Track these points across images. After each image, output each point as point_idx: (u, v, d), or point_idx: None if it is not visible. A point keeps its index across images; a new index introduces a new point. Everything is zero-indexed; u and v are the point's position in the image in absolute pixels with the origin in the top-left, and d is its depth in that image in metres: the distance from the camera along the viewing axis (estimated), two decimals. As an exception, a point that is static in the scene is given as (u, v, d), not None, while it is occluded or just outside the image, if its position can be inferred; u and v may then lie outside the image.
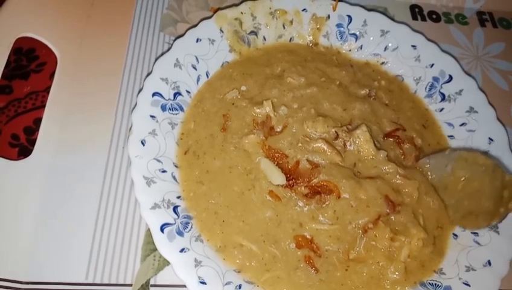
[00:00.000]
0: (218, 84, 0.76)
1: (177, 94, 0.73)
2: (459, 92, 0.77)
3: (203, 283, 0.57)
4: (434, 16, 0.95)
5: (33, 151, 0.71)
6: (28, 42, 0.80)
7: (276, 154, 0.67)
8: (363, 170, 0.67)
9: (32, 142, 0.72)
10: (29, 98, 0.76)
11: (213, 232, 0.63)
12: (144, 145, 0.66)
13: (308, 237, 0.63)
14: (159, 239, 0.59)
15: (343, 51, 0.84)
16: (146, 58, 0.82)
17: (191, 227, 0.63)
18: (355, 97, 0.75)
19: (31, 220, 0.66)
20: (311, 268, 0.62)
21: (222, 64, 0.79)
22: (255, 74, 0.77)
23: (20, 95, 0.77)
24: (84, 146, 0.72)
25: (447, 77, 0.78)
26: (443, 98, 0.78)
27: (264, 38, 0.82)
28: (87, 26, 0.84)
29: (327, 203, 0.63)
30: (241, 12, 0.80)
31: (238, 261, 0.62)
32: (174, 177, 0.67)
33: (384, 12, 0.87)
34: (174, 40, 0.76)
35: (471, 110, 0.75)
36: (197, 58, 0.76)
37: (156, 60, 0.74)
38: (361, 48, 0.83)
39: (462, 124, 0.75)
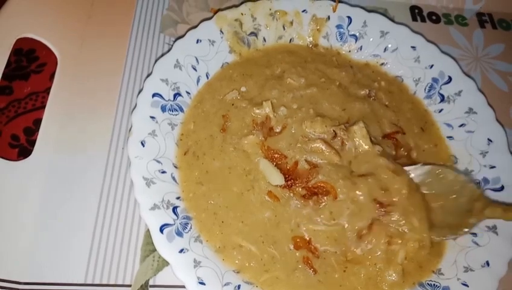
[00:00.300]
0: (218, 85, 0.76)
1: (177, 95, 0.73)
2: (459, 93, 0.77)
3: (202, 283, 0.58)
4: (434, 17, 0.95)
5: (33, 152, 0.71)
6: (28, 43, 0.80)
7: (275, 155, 0.67)
8: (357, 167, 0.67)
9: (32, 143, 0.72)
10: (29, 99, 0.76)
11: (212, 233, 0.64)
12: (143, 146, 0.66)
13: (306, 238, 0.63)
14: (159, 240, 0.59)
15: (343, 52, 0.84)
16: (146, 59, 0.82)
17: (191, 228, 0.63)
18: (355, 97, 0.75)
19: (30, 220, 0.66)
20: (310, 269, 0.62)
21: (222, 65, 0.79)
22: (255, 74, 0.77)
23: (20, 95, 0.77)
24: (84, 147, 0.72)
25: (446, 78, 0.79)
26: (442, 99, 0.78)
27: (264, 40, 0.82)
28: (87, 27, 0.85)
29: (324, 204, 0.64)
30: (241, 14, 0.80)
31: (237, 261, 0.62)
32: (173, 178, 0.67)
33: (384, 14, 0.87)
34: (174, 41, 0.76)
35: (471, 111, 0.75)
36: (197, 59, 0.76)
37: (156, 60, 0.74)
38: (361, 49, 0.83)
39: (461, 125, 0.75)
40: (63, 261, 0.64)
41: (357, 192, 0.64)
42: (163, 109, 0.71)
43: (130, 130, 0.67)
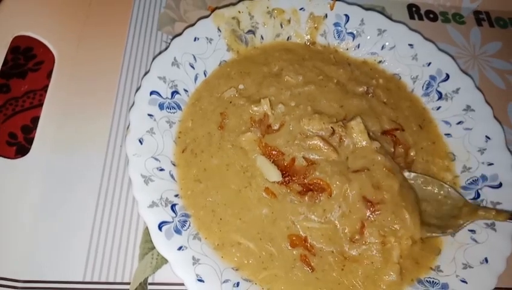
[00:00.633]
0: (216, 83, 0.76)
1: (174, 93, 0.73)
2: (456, 91, 0.77)
3: (200, 280, 0.58)
4: (431, 15, 0.96)
5: (31, 150, 0.71)
6: (25, 41, 0.80)
7: (273, 152, 0.67)
8: (354, 162, 0.67)
9: (30, 141, 0.72)
10: (26, 97, 0.76)
11: (211, 230, 0.64)
12: (141, 143, 0.66)
13: (302, 235, 0.63)
14: (157, 237, 0.59)
15: (341, 50, 0.84)
16: (144, 57, 0.82)
17: (189, 225, 0.63)
18: (353, 94, 0.75)
19: (28, 218, 0.66)
20: (307, 267, 0.62)
21: (220, 63, 0.79)
22: (253, 72, 0.77)
23: (17, 93, 0.77)
24: (82, 145, 0.72)
25: (444, 76, 0.79)
26: (440, 96, 0.78)
27: (262, 37, 0.82)
28: (84, 25, 0.84)
29: (318, 200, 0.64)
30: (239, 12, 0.80)
31: (236, 259, 0.62)
32: (171, 176, 0.67)
33: (382, 12, 0.87)
34: (172, 39, 0.76)
35: (468, 108, 0.76)
36: (194, 57, 0.76)
37: (153, 59, 0.74)
38: (358, 47, 0.83)
39: (459, 123, 0.76)
40: (61, 259, 0.64)
41: (348, 187, 0.64)
42: (161, 106, 0.71)
43: (127, 128, 0.67)
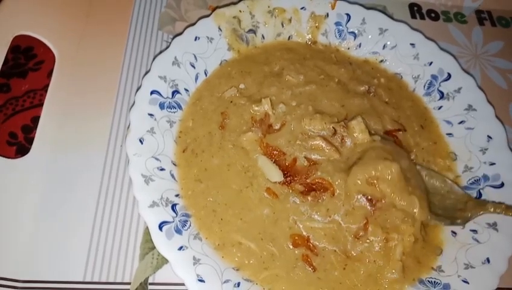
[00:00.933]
0: (217, 83, 0.76)
1: (175, 92, 0.73)
2: (458, 90, 0.77)
3: (201, 280, 0.57)
4: (433, 15, 0.95)
5: (31, 150, 0.70)
6: (25, 40, 0.80)
7: (274, 152, 0.67)
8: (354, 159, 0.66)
9: (30, 141, 0.71)
10: (27, 97, 0.76)
11: (211, 230, 0.63)
12: (142, 143, 0.66)
13: (304, 235, 0.63)
14: (158, 237, 0.59)
15: (342, 49, 0.84)
16: (144, 56, 0.82)
17: (190, 225, 0.63)
18: (354, 94, 0.75)
19: (28, 218, 0.65)
20: (309, 267, 0.62)
21: (220, 63, 0.79)
22: (254, 72, 0.77)
23: (18, 93, 0.76)
24: (82, 144, 0.72)
25: (445, 75, 0.78)
26: (442, 96, 0.78)
27: (263, 37, 0.82)
28: (85, 25, 0.84)
29: (321, 200, 0.64)
30: (240, 11, 0.80)
31: (236, 259, 0.62)
32: (172, 176, 0.67)
33: (383, 11, 0.86)
34: (173, 39, 0.76)
35: (470, 108, 0.75)
36: (195, 56, 0.76)
37: (154, 58, 0.74)
38: (359, 46, 0.83)
39: (460, 122, 0.75)
40: (61, 259, 0.63)
41: (347, 182, 0.64)
42: (161, 106, 0.71)
43: (128, 127, 0.67)
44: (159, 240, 0.59)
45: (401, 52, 0.81)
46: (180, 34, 0.76)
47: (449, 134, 0.76)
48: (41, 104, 0.75)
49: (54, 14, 0.84)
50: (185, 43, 0.75)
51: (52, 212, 0.66)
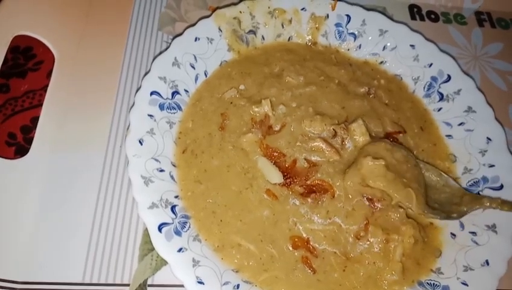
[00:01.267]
0: (217, 83, 0.76)
1: (175, 93, 0.73)
2: (458, 92, 0.77)
3: (201, 282, 0.57)
4: (433, 16, 0.95)
5: (30, 151, 0.70)
6: (25, 40, 0.80)
7: (274, 153, 0.67)
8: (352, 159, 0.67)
9: (29, 141, 0.71)
10: (26, 97, 0.76)
11: (211, 232, 0.63)
12: (141, 144, 0.66)
13: (304, 237, 0.63)
14: (157, 239, 0.59)
15: (342, 50, 0.84)
16: (144, 57, 0.82)
17: (189, 227, 0.63)
18: (354, 95, 0.75)
19: (27, 219, 0.65)
20: (309, 269, 0.62)
21: (220, 64, 0.79)
22: (254, 73, 0.77)
23: (17, 93, 0.76)
24: (81, 145, 0.72)
25: (445, 77, 0.78)
26: (441, 97, 0.78)
27: (263, 38, 0.82)
28: (85, 25, 0.84)
29: (321, 202, 0.64)
30: (240, 12, 0.80)
31: (236, 261, 0.62)
32: (172, 177, 0.66)
33: (383, 12, 0.86)
34: (173, 39, 0.75)
35: (470, 109, 0.75)
36: (195, 57, 0.76)
37: (154, 59, 0.74)
38: (359, 48, 0.83)
39: (460, 124, 0.75)
40: (60, 261, 0.63)
41: (345, 183, 0.64)
42: (161, 107, 0.70)
43: (127, 128, 0.67)
44: (158, 241, 0.59)
45: (401, 53, 0.81)
46: (180, 34, 0.76)
47: (449, 136, 0.76)
48: (41, 105, 0.74)
49: (54, 14, 0.84)
50: (185, 43, 0.75)
51: (52, 213, 0.66)
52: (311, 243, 0.63)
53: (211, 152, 0.69)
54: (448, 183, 0.69)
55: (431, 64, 0.80)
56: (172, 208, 0.63)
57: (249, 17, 0.81)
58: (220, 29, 0.78)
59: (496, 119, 0.74)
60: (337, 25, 0.83)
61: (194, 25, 0.77)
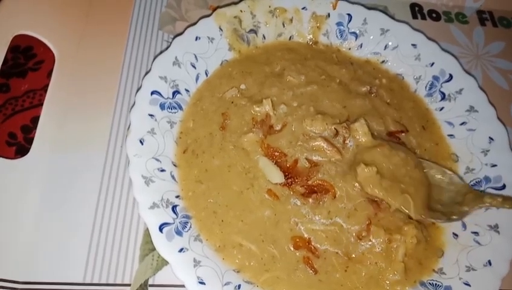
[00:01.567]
0: (218, 83, 0.76)
1: (176, 93, 0.72)
2: (459, 91, 0.77)
3: (202, 283, 0.57)
4: (434, 15, 0.95)
5: (30, 150, 0.70)
6: (25, 40, 0.80)
7: (275, 153, 0.66)
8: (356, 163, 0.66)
9: (30, 141, 0.71)
10: (26, 97, 0.76)
11: (212, 232, 0.63)
12: (142, 144, 0.66)
13: (305, 237, 0.63)
14: (158, 239, 0.59)
15: (343, 49, 0.83)
16: (144, 56, 0.81)
17: (190, 227, 0.63)
18: (356, 94, 0.74)
19: (28, 219, 0.65)
20: (310, 269, 0.61)
21: (221, 63, 0.78)
22: (255, 72, 0.77)
23: (17, 93, 0.76)
24: (82, 145, 0.72)
25: (447, 76, 0.78)
26: (443, 97, 0.78)
27: (264, 37, 0.82)
28: (85, 25, 0.84)
29: (323, 202, 0.63)
30: (241, 11, 0.80)
31: (237, 261, 0.61)
32: (172, 177, 0.66)
33: (385, 11, 0.86)
34: (173, 39, 0.75)
35: (472, 109, 0.75)
36: (196, 56, 0.76)
37: (154, 58, 0.73)
38: (361, 47, 0.83)
39: (462, 123, 0.75)
40: (61, 261, 0.63)
41: (355, 193, 0.64)
42: (162, 106, 0.70)
43: (128, 128, 0.67)
44: (159, 241, 0.59)
45: (403, 52, 0.81)
46: (181, 34, 0.76)
47: (450, 135, 0.75)
48: (41, 104, 0.74)
49: (54, 14, 0.84)
50: (185, 43, 0.75)
51: (52, 213, 0.66)
52: (312, 244, 0.63)
53: (212, 152, 0.68)
54: (453, 181, 0.69)
55: (433, 64, 0.79)
56: (173, 208, 0.63)
57: (249, 16, 0.80)
58: (220, 29, 0.78)
59: (498, 118, 0.73)
60: (339, 24, 0.83)
61: (194, 24, 0.77)
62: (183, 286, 0.57)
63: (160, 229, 0.60)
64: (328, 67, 0.78)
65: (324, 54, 0.82)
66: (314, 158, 0.66)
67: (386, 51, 0.82)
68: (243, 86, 0.75)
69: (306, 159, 0.66)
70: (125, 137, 0.67)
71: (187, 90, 0.74)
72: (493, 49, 0.92)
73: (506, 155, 0.71)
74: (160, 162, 0.66)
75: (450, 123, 0.76)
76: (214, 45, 0.78)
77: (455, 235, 0.66)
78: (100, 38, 0.83)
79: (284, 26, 0.82)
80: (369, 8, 0.83)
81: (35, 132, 0.72)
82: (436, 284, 0.62)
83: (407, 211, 0.63)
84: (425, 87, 0.79)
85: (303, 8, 0.82)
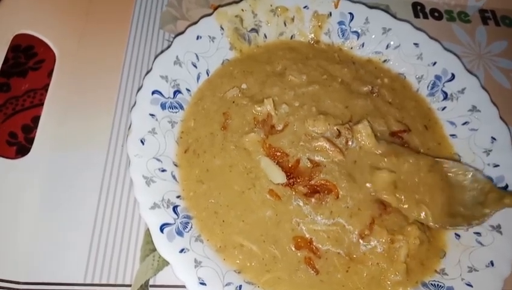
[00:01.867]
0: (219, 82, 0.75)
1: (177, 92, 0.72)
2: (462, 91, 0.76)
3: (203, 283, 0.57)
4: (436, 14, 0.95)
5: (31, 150, 0.70)
6: (26, 39, 0.79)
7: (277, 153, 0.66)
8: (360, 165, 0.66)
9: (31, 141, 0.71)
10: (27, 96, 0.75)
11: (213, 232, 0.63)
12: (143, 144, 0.65)
13: (307, 237, 0.63)
14: (159, 239, 0.59)
15: (345, 49, 0.83)
16: (145, 55, 0.81)
17: (191, 227, 0.62)
18: (358, 94, 0.74)
19: (29, 219, 0.65)
20: (312, 269, 0.61)
21: (222, 62, 0.78)
22: (256, 71, 0.76)
23: (18, 92, 0.76)
24: (82, 145, 0.72)
25: (449, 76, 0.78)
26: (445, 96, 0.77)
27: (265, 36, 0.82)
28: (86, 24, 0.84)
29: (325, 203, 0.63)
30: (242, 10, 0.80)
31: (238, 261, 0.61)
32: (173, 177, 0.66)
33: (386, 10, 0.86)
34: (174, 38, 0.75)
35: (474, 108, 0.75)
36: (197, 55, 0.75)
37: (155, 57, 0.73)
38: (363, 46, 0.82)
39: (464, 123, 0.75)
40: (62, 261, 0.63)
41: (360, 194, 0.64)
42: (163, 106, 0.70)
43: (129, 128, 0.67)
44: (160, 242, 0.59)
45: (405, 51, 0.81)
46: (182, 33, 0.75)
47: (453, 135, 0.75)
48: (42, 104, 0.74)
49: (54, 13, 0.83)
50: (186, 42, 0.75)
51: (53, 213, 0.66)
52: (314, 244, 0.62)
53: (213, 152, 0.68)
54: (476, 178, 0.67)
55: (435, 63, 0.79)
56: (174, 208, 0.63)
57: (251, 15, 0.80)
58: (221, 28, 0.78)
59: (501, 118, 0.73)
60: (340, 23, 0.83)
61: (195, 23, 0.77)
62: (184, 286, 0.57)
63: (161, 229, 0.59)
64: (329, 66, 0.78)
65: (326, 53, 0.81)
66: (317, 158, 0.66)
67: (388, 50, 0.82)
68: (244, 86, 0.74)
69: (308, 159, 0.65)
70: (126, 137, 0.67)
71: (188, 90, 0.74)
72: (496, 48, 0.91)
73: (508, 155, 0.71)
74: (161, 162, 0.66)
75: (452, 123, 0.76)
76: (215, 44, 0.77)
77: (457, 235, 0.66)
78: (101, 37, 0.82)
79: (285, 25, 0.82)
80: (371, 7, 0.83)
81: (35, 132, 0.72)
82: (438, 285, 0.62)
83: (426, 222, 0.63)
84: (428, 86, 0.79)
85: (304, 7, 0.82)
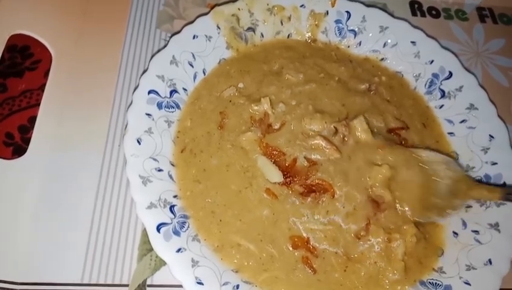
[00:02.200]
0: (215, 82, 0.75)
1: (173, 92, 0.72)
2: (459, 89, 0.76)
3: (200, 283, 0.57)
4: (433, 12, 0.94)
5: (28, 150, 0.70)
6: (22, 39, 0.79)
7: (274, 152, 0.66)
8: (355, 161, 0.66)
9: (27, 141, 0.71)
10: (23, 97, 0.75)
11: (210, 232, 0.63)
12: (139, 143, 0.65)
13: (304, 237, 0.63)
14: (155, 239, 0.59)
15: (342, 47, 0.83)
16: (142, 55, 0.81)
17: (188, 227, 0.62)
18: (355, 92, 0.74)
19: (25, 220, 0.65)
20: (309, 269, 0.61)
21: (219, 61, 0.78)
22: (253, 70, 0.76)
23: (14, 93, 0.76)
24: (79, 145, 0.71)
25: (446, 74, 0.78)
26: (443, 94, 0.77)
27: (262, 35, 0.81)
28: (82, 23, 0.83)
29: (321, 201, 0.63)
30: (238, 9, 0.79)
31: (235, 261, 0.61)
32: (170, 176, 0.66)
33: (384, 8, 0.86)
34: (171, 37, 0.75)
35: (472, 107, 0.75)
36: (193, 55, 0.75)
37: (152, 57, 0.73)
38: (360, 44, 0.82)
39: (462, 121, 0.75)
40: (59, 261, 0.63)
41: (355, 193, 0.64)
42: (159, 106, 0.70)
43: (125, 127, 0.66)
44: (157, 241, 0.58)
45: (402, 50, 0.80)
46: (178, 32, 0.75)
47: (450, 133, 0.75)
48: (38, 104, 0.74)
49: (51, 13, 0.83)
50: (183, 41, 0.74)
51: (50, 213, 0.66)
52: (311, 243, 0.62)
53: (210, 151, 0.68)
54: (450, 167, 0.67)
55: (432, 61, 0.79)
56: (171, 208, 0.63)
57: (247, 14, 0.80)
58: (218, 27, 0.78)
59: (499, 116, 0.73)
60: (337, 21, 0.82)
61: (192, 22, 0.76)
62: (181, 286, 0.57)
63: (158, 229, 0.59)
64: (326, 65, 0.77)
65: (323, 52, 0.81)
66: (313, 157, 0.65)
67: (385, 49, 0.81)
68: (241, 85, 0.74)
69: (305, 158, 0.65)
70: (123, 136, 0.67)
71: (185, 89, 0.73)
72: (493, 46, 0.91)
73: (506, 153, 0.71)
74: (158, 161, 0.66)
75: (450, 121, 0.76)
76: (212, 44, 0.77)
77: (455, 233, 0.66)
78: (97, 37, 0.82)
79: (282, 24, 0.82)
80: (368, 6, 0.82)
81: (32, 132, 0.71)
82: (436, 283, 0.62)
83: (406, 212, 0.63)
84: (425, 84, 0.79)
85: (301, 6, 0.82)
